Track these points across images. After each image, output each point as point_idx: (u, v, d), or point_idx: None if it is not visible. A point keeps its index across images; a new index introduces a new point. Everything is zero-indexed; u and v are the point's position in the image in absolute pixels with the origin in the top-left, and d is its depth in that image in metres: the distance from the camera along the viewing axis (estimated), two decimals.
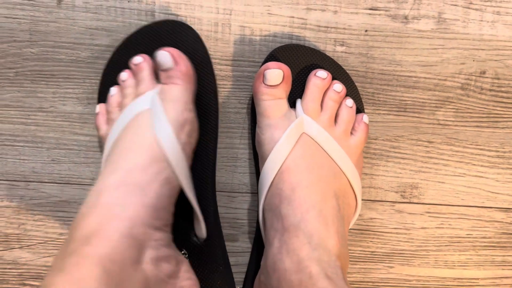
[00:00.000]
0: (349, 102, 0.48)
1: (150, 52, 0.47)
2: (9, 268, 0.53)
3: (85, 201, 0.40)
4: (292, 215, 0.43)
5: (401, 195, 0.53)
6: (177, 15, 0.49)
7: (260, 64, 0.49)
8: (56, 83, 0.49)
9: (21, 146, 0.50)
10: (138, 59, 0.46)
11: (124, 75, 0.46)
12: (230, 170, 0.52)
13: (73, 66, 0.49)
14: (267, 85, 0.46)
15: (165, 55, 0.44)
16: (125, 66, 0.47)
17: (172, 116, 0.44)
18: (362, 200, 0.52)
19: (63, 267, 0.35)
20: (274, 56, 0.48)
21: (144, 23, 0.49)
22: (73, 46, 0.49)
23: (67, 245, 0.37)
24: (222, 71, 0.50)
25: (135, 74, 0.46)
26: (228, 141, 0.51)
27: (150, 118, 0.43)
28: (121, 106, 0.46)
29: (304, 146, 0.46)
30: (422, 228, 0.53)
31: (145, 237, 0.39)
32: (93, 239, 0.36)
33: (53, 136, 0.50)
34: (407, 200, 0.53)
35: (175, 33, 0.47)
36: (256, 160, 0.50)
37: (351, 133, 0.48)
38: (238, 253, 0.53)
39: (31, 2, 0.48)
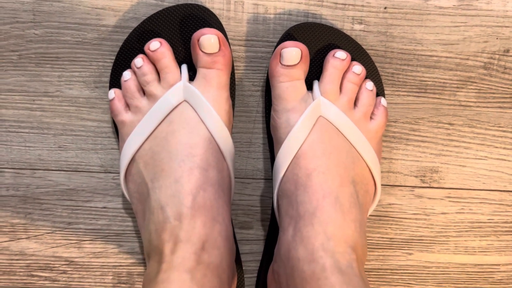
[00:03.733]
0: (369, 85, 0.47)
1: (167, 36, 0.46)
2: (16, 259, 0.52)
3: (167, 202, 0.42)
4: (308, 202, 0.42)
5: (421, 179, 0.52)
6: None
7: (275, 44, 0.48)
8: (62, 66, 0.48)
9: (26, 132, 0.50)
10: (156, 45, 0.44)
11: (139, 61, 0.45)
12: (244, 156, 0.51)
13: (79, 48, 0.48)
14: (284, 65, 0.44)
15: (212, 38, 0.43)
16: (140, 50, 0.46)
17: (219, 106, 0.44)
18: (381, 185, 0.51)
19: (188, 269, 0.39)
20: (290, 35, 0.46)
21: (152, 1, 0.47)
22: (78, 27, 0.47)
23: (169, 246, 0.40)
24: (235, 51, 0.48)
25: (154, 60, 0.45)
26: (241, 126, 0.50)
27: (197, 112, 0.44)
28: (143, 93, 0.45)
29: (322, 130, 0.44)
30: (442, 213, 0.52)
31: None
32: (207, 246, 0.41)
33: (60, 121, 0.49)
34: (427, 185, 0.52)
35: (193, 17, 0.46)
36: (271, 145, 0.49)
37: (371, 117, 0.47)
38: (252, 240, 0.52)
39: None
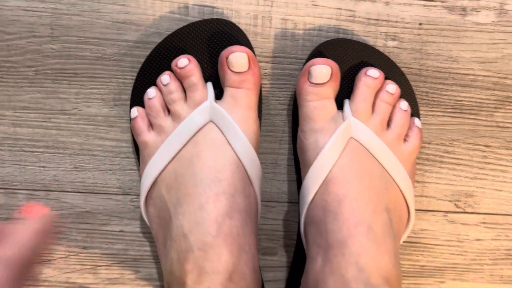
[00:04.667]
0: (404, 104, 0.45)
1: (192, 53, 0.44)
2: (28, 285, 0.49)
3: (190, 229, 0.40)
4: (338, 231, 0.40)
5: (455, 204, 0.50)
6: (213, 7, 0.46)
7: (304, 61, 0.47)
8: (80, 83, 0.47)
9: (41, 152, 0.48)
10: (184, 62, 0.43)
11: (166, 78, 0.44)
12: (269, 178, 0.49)
13: (98, 64, 0.46)
14: (313, 84, 0.43)
15: (242, 57, 0.42)
16: (164, 66, 0.45)
17: (247, 127, 0.43)
18: None
19: None
20: (319, 51, 0.45)
21: (176, 16, 0.46)
22: (98, 41, 0.46)
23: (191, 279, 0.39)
24: (261, 68, 0.47)
25: (181, 78, 0.44)
26: (266, 146, 0.49)
27: (224, 134, 0.42)
28: (168, 112, 0.44)
29: (353, 153, 0.43)
30: (476, 240, 0.51)
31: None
32: (234, 277, 0.39)
33: (76, 141, 0.48)
34: (461, 210, 0.50)
35: (219, 33, 0.44)
36: (297, 166, 0.47)
37: (404, 139, 0.45)
38: (276, 267, 0.50)
39: None
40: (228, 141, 0.42)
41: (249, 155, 0.42)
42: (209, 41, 0.44)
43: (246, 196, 0.42)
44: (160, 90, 0.44)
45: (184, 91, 0.44)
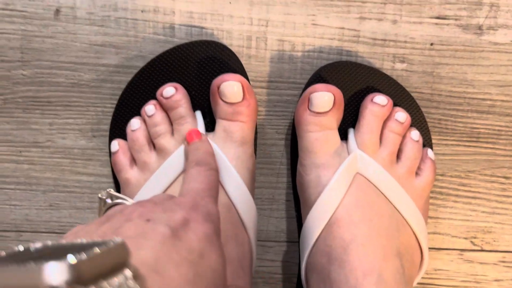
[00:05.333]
0: (415, 134, 0.42)
1: (179, 79, 0.41)
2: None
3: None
4: (344, 281, 0.37)
5: (471, 241, 0.47)
6: (202, 28, 0.42)
7: (303, 85, 0.44)
8: (54, 112, 0.44)
9: (12, 189, 0.46)
10: (170, 91, 0.40)
11: (151, 108, 0.40)
12: (266, 215, 0.46)
13: (74, 91, 0.44)
14: (314, 112, 0.40)
15: (235, 86, 0.39)
16: (148, 93, 0.41)
17: (242, 165, 0.40)
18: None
19: None
20: (320, 76, 0.42)
21: (161, 37, 0.43)
22: (74, 66, 0.43)
23: None
24: (256, 95, 0.44)
25: (167, 108, 0.40)
26: (263, 179, 0.45)
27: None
28: (153, 146, 0.41)
29: (359, 191, 0.40)
30: (495, 280, 0.48)
31: None
32: None
33: (51, 176, 0.45)
34: (478, 248, 0.47)
35: (209, 57, 0.41)
36: (297, 202, 0.44)
37: (416, 172, 0.42)
38: None
39: (22, 13, 0.42)
40: (219, 181, 0.38)
41: (243, 197, 0.39)
42: (198, 65, 0.40)
43: (239, 245, 0.38)
44: (144, 121, 0.41)
45: (171, 122, 0.40)
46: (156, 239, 0.24)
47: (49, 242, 0.20)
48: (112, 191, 0.37)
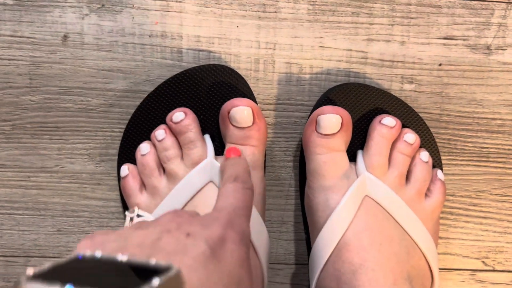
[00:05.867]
0: (424, 155, 0.41)
1: (187, 103, 0.41)
2: None
3: None
4: None
5: (483, 261, 0.46)
6: (210, 51, 0.42)
7: (311, 107, 0.43)
8: (62, 137, 0.44)
9: (20, 214, 0.45)
10: (180, 116, 0.39)
11: (161, 133, 0.40)
12: (275, 237, 0.45)
13: (82, 116, 0.43)
14: (322, 135, 0.39)
15: (245, 111, 0.38)
16: (157, 118, 0.41)
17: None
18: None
19: None
20: (328, 98, 0.41)
21: (169, 61, 0.42)
22: (82, 91, 0.43)
23: None
24: (264, 117, 0.43)
25: (176, 133, 0.40)
26: (271, 201, 0.45)
27: None
28: (162, 170, 0.40)
29: (368, 214, 0.39)
30: None
31: None
32: None
33: (59, 201, 0.45)
34: (490, 268, 0.47)
35: (218, 81, 0.40)
36: (306, 224, 0.44)
37: (426, 194, 0.42)
38: None
39: (30, 40, 0.42)
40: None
41: (254, 221, 0.38)
42: (207, 89, 0.40)
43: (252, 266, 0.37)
44: (154, 145, 0.40)
45: (180, 146, 0.40)
46: (198, 260, 0.24)
47: (99, 255, 0.20)
48: (139, 210, 0.37)
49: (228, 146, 0.40)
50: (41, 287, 0.17)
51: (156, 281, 0.17)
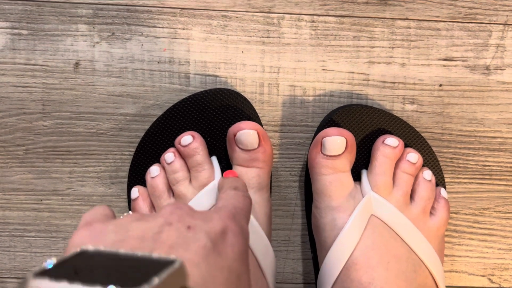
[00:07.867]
0: (428, 174, 0.41)
1: (195, 126, 0.41)
2: None
3: None
4: None
5: (489, 279, 0.46)
6: (216, 76, 0.42)
7: (315, 128, 0.44)
8: (73, 161, 0.44)
9: (33, 236, 0.45)
10: (188, 139, 0.40)
11: (170, 156, 0.40)
12: (282, 256, 0.45)
13: (93, 140, 0.43)
14: (327, 156, 0.40)
15: (251, 134, 0.39)
16: (165, 141, 0.41)
17: (259, 210, 0.39)
18: None
19: None
20: (331, 119, 0.42)
21: (176, 86, 0.43)
22: (93, 116, 0.43)
23: None
24: (270, 138, 0.43)
25: (185, 156, 0.40)
26: (278, 221, 0.45)
27: None
28: (171, 192, 0.41)
29: (375, 233, 0.39)
30: None
31: None
32: None
33: (71, 223, 0.45)
34: (497, 285, 0.46)
35: (224, 105, 0.41)
36: (313, 243, 0.44)
37: (430, 212, 0.42)
38: None
39: (43, 67, 0.42)
40: None
41: (261, 243, 0.38)
42: (213, 113, 0.41)
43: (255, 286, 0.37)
44: (163, 168, 0.41)
45: (188, 169, 0.40)
46: (199, 253, 0.23)
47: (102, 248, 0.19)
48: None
49: (235, 168, 0.40)
50: (48, 284, 0.16)
51: (163, 274, 0.17)
